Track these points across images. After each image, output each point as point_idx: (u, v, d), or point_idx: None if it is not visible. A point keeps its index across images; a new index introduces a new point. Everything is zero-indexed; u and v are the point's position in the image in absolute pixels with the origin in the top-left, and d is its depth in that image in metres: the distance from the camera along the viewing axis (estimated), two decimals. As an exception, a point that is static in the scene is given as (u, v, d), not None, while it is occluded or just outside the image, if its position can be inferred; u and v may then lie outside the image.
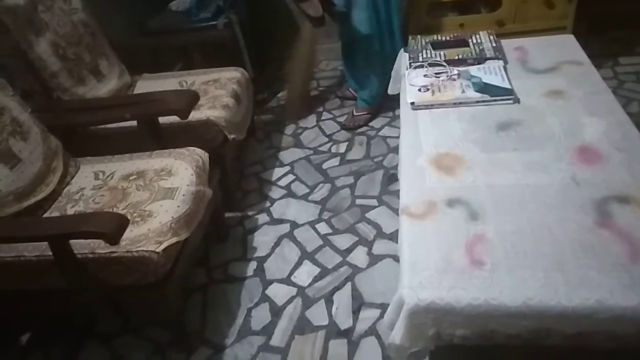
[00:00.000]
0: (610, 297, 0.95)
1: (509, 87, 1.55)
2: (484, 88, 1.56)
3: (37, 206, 1.50)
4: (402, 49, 1.91)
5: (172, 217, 1.40)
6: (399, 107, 1.65)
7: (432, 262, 1.06)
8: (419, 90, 1.61)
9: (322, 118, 2.65)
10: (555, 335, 1.00)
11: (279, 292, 1.72)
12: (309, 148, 2.44)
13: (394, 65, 1.94)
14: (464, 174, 1.28)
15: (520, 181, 1.23)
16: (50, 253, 1.27)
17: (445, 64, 1.69)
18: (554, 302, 0.96)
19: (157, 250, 1.31)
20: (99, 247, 1.33)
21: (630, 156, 1.26)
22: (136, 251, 1.31)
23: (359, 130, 2.50)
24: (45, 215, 1.50)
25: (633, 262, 1.00)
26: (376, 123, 2.53)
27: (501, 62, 1.70)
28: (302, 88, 2.69)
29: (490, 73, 1.63)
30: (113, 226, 1.17)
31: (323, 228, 1.96)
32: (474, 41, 1.83)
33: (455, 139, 1.41)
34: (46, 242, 1.28)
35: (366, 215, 1.99)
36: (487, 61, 1.71)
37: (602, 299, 0.95)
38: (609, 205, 1.13)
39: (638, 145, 1.29)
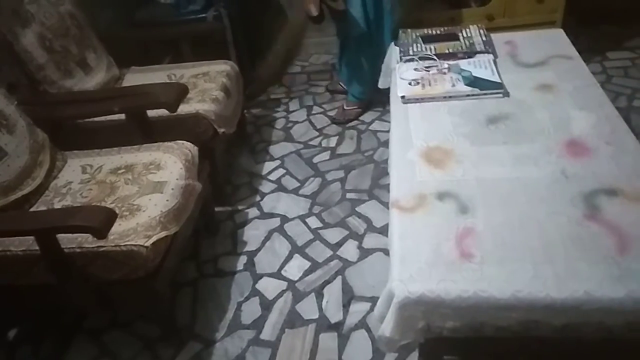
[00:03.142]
0: (599, 289, 0.96)
1: (499, 80, 1.56)
2: (474, 82, 1.56)
3: (23, 200, 1.48)
4: (393, 43, 1.90)
5: (161, 211, 1.39)
6: (389, 101, 1.65)
7: (422, 255, 1.06)
8: (410, 83, 1.61)
9: (313, 112, 2.64)
10: (544, 327, 1.01)
11: (269, 286, 1.72)
12: (299, 142, 2.43)
13: (384, 59, 1.94)
14: (453, 167, 1.28)
15: (509, 174, 1.24)
16: (37, 247, 1.26)
17: (435, 58, 1.69)
18: (543, 294, 0.97)
19: (146, 245, 1.30)
20: (87, 241, 1.31)
21: (618, 149, 1.27)
22: (125, 245, 1.30)
23: (350, 124, 2.50)
24: (32, 209, 1.48)
25: (621, 255, 1.01)
26: (367, 117, 2.53)
27: (491, 56, 1.70)
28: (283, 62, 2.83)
29: (480, 67, 1.63)
30: (101, 220, 1.16)
31: (313, 222, 1.96)
32: (464, 35, 1.83)
33: (445, 133, 1.41)
34: (33, 237, 1.26)
35: (356, 209, 1.99)
36: (477, 55, 1.72)
37: (590, 290, 0.96)
38: (598, 198, 1.14)
39: (626, 139, 1.31)
